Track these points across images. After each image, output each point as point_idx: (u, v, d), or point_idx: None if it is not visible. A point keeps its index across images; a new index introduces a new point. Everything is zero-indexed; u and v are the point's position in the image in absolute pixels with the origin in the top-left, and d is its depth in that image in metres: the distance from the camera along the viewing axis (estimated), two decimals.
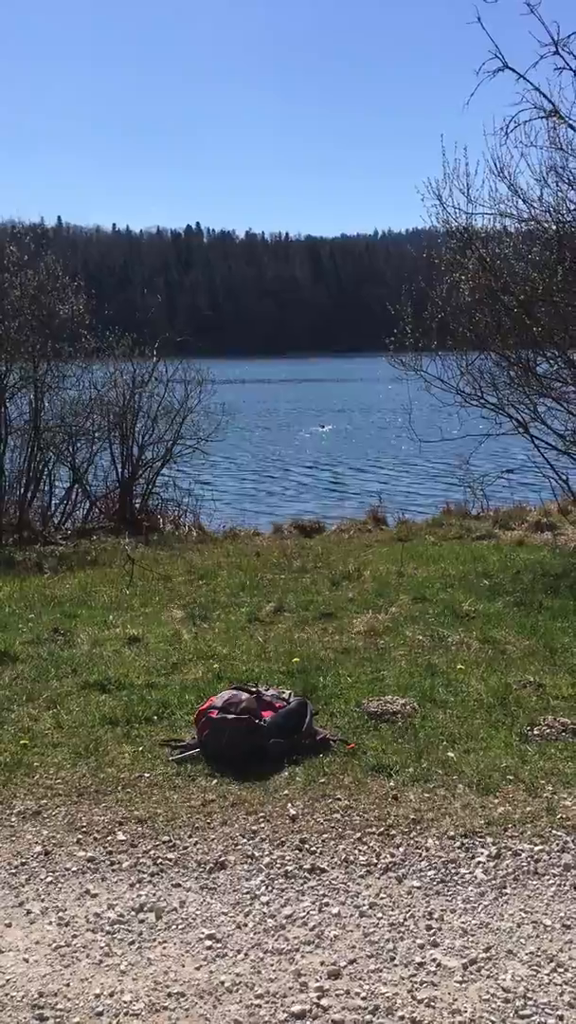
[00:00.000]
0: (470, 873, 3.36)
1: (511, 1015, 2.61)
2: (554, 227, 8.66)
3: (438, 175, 9.06)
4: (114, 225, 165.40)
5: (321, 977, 2.80)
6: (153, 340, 12.62)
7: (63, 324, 11.55)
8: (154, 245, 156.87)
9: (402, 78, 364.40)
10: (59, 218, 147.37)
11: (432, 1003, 2.67)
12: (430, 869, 3.39)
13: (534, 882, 3.30)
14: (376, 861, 3.45)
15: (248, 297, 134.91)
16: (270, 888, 3.30)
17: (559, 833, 3.61)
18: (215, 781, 4.13)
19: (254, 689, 4.70)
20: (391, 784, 4.03)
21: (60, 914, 3.17)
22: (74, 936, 3.05)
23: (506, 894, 3.23)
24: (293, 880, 3.35)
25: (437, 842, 3.56)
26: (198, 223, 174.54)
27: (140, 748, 4.48)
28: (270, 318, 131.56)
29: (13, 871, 3.46)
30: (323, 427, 32.90)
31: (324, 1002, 2.68)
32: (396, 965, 2.85)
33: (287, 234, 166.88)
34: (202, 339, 14.44)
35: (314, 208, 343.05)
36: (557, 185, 8.57)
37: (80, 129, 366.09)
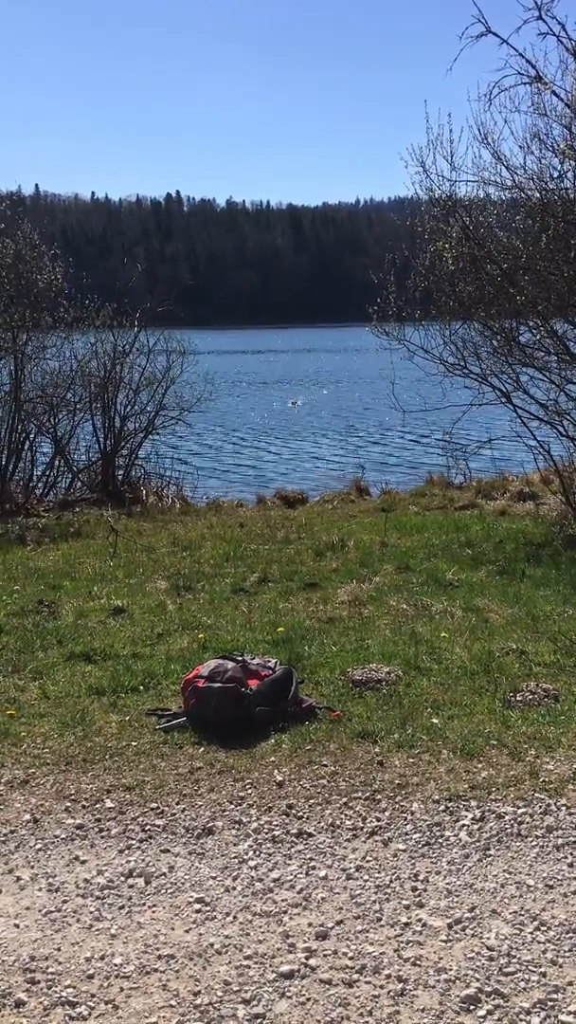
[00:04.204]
0: (455, 836, 3.41)
1: (495, 972, 2.67)
2: (537, 195, 8.61)
3: (422, 142, 8.98)
4: (92, 193, 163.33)
5: (309, 938, 2.85)
6: (134, 310, 12.50)
7: (42, 294, 11.41)
8: (133, 213, 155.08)
9: (387, 45, 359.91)
10: (36, 186, 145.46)
11: (418, 962, 2.72)
12: (415, 832, 3.44)
13: (517, 844, 3.36)
14: (362, 825, 3.50)
15: (229, 266, 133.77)
16: (258, 852, 3.34)
17: (542, 796, 3.67)
18: (202, 749, 4.16)
19: (240, 658, 4.73)
20: (376, 750, 4.08)
21: (50, 880, 3.20)
22: (64, 901, 3.08)
23: (490, 855, 3.29)
24: (280, 844, 3.39)
25: (422, 806, 3.61)
26: (178, 191, 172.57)
27: (127, 717, 4.50)
28: (252, 287, 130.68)
29: (2, 839, 3.48)
30: (294, 402, 31.46)
31: (312, 962, 2.73)
32: (382, 925, 2.90)
33: (268, 202, 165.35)
34: (183, 309, 14.27)
35: (295, 177, 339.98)
36: (540, 152, 8.51)
37: (57, 96, 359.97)
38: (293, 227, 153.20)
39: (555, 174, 8.54)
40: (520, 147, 8.58)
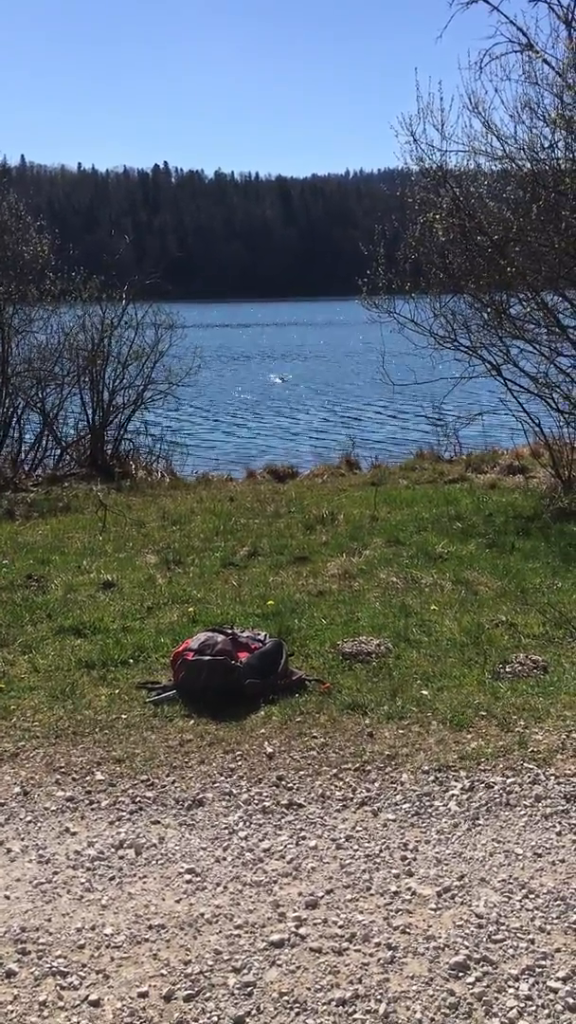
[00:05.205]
0: (444, 805, 3.43)
1: (484, 940, 2.69)
2: (528, 165, 8.54)
3: (412, 111, 8.89)
4: (79, 164, 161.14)
5: (299, 907, 2.86)
6: (122, 283, 12.37)
7: (28, 265, 11.27)
8: (121, 184, 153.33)
9: (378, 13, 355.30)
10: (22, 156, 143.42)
11: (407, 930, 2.74)
12: (405, 802, 3.46)
13: (506, 813, 3.38)
14: (352, 796, 3.51)
15: (218, 239, 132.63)
16: (248, 823, 3.35)
17: (530, 766, 3.69)
18: (192, 721, 4.16)
19: (230, 631, 4.73)
20: (366, 722, 4.09)
21: (40, 852, 3.21)
22: (55, 873, 3.09)
23: (479, 825, 3.31)
24: (271, 815, 3.40)
25: (412, 776, 3.63)
26: (165, 162, 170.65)
27: (117, 691, 4.50)
28: (240, 260, 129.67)
29: None
30: (281, 378, 30.45)
31: (302, 931, 2.75)
32: (372, 894, 2.92)
33: (257, 174, 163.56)
34: (171, 282, 14.12)
35: (285, 148, 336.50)
36: (531, 122, 8.43)
37: (43, 65, 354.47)
38: (282, 199, 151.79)
39: (546, 144, 8.47)
40: (511, 117, 8.51)
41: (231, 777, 3.68)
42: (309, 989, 2.51)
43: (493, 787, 3.54)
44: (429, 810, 3.41)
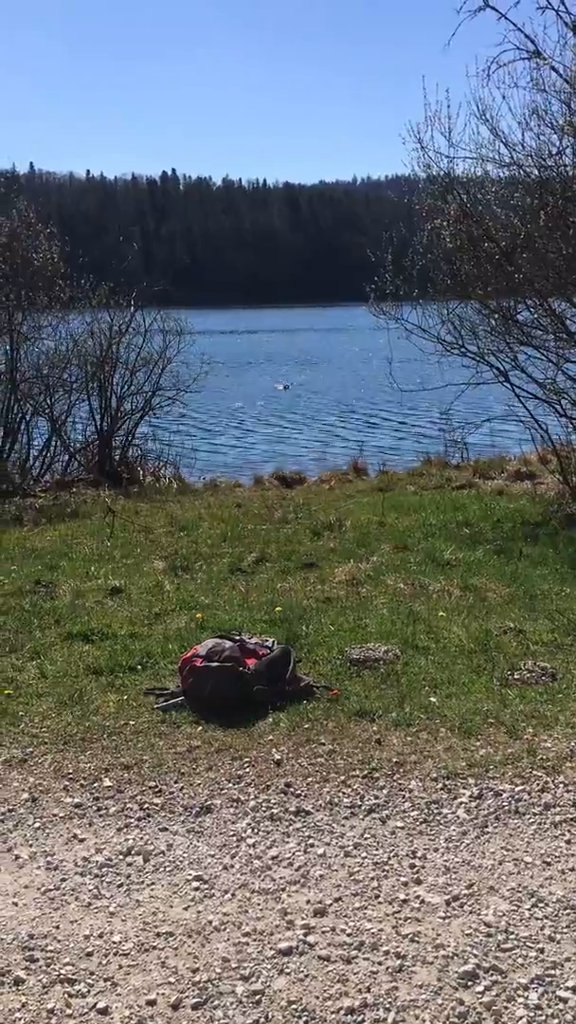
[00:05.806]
0: (452, 813, 3.42)
1: (493, 949, 2.67)
2: (536, 172, 8.54)
3: (420, 118, 8.90)
4: (88, 171, 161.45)
5: (307, 915, 2.85)
6: (130, 290, 12.42)
7: (38, 273, 11.33)
8: (129, 192, 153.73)
9: (386, 21, 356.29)
10: (31, 164, 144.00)
11: (416, 938, 2.73)
12: (413, 810, 3.44)
13: (515, 821, 3.37)
14: (360, 803, 3.51)
15: (226, 246, 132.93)
16: (256, 830, 3.35)
17: (539, 773, 3.67)
18: (200, 728, 4.16)
19: (237, 637, 4.73)
20: (374, 728, 4.08)
21: (48, 859, 3.21)
22: (63, 880, 3.08)
23: (488, 833, 3.29)
24: (279, 822, 3.39)
25: (420, 784, 3.62)
26: (174, 170, 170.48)
27: (125, 697, 4.50)
28: (248, 267, 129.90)
29: (1, 818, 3.48)
30: (283, 386, 29.75)
31: (310, 939, 2.74)
32: (380, 902, 2.91)
33: (265, 181, 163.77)
34: (179, 289, 14.20)
35: (292, 154, 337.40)
36: (539, 128, 8.43)
37: (51, 74, 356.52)
38: (290, 206, 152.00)
39: (553, 150, 8.47)
40: (518, 123, 8.52)
41: (239, 784, 3.67)
42: (317, 998, 2.50)
43: (502, 795, 3.53)
44: (438, 818, 3.39)
